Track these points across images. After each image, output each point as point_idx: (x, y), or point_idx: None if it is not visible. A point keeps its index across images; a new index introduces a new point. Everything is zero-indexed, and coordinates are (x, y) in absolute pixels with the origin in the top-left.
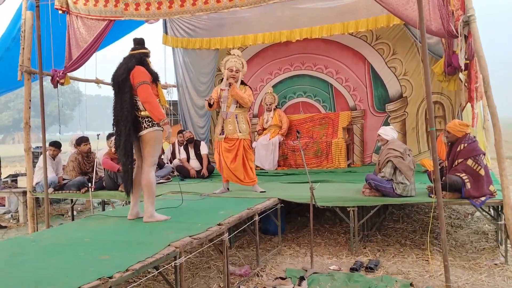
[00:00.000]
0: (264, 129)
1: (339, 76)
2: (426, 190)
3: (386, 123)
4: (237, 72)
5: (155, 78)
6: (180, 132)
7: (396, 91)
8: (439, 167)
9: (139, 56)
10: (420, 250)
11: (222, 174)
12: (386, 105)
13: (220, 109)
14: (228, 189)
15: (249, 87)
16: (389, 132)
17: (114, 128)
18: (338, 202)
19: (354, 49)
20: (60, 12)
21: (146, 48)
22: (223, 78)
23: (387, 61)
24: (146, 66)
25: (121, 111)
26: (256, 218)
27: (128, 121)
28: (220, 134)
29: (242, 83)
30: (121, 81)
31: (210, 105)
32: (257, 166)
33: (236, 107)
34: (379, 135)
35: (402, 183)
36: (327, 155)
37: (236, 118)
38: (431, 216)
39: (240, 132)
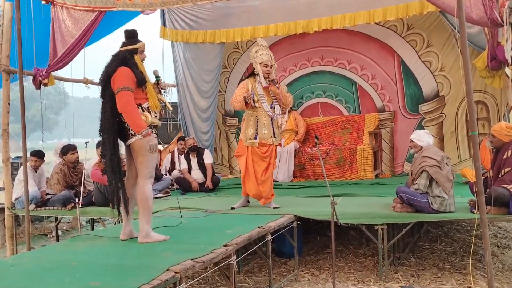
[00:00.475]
0: None
1: (364, 72)
2: (467, 204)
3: (420, 127)
4: (271, 67)
5: (140, 81)
6: (180, 138)
7: (432, 89)
8: (483, 177)
9: (123, 55)
10: (461, 275)
11: (245, 185)
12: (419, 105)
13: (256, 109)
14: (248, 201)
15: None
16: (424, 137)
17: (100, 135)
18: (364, 219)
19: (382, 41)
20: (43, 2)
21: (136, 43)
22: (252, 74)
23: (420, 55)
24: (132, 66)
25: (103, 121)
26: (269, 238)
27: (111, 132)
28: (252, 138)
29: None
30: (102, 88)
31: (246, 103)
32: None
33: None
34: (411, 140)
35: (439, 197)
36: (351, 164)
37: (271, 120)
38: (474, 235)
39: (274, 137)
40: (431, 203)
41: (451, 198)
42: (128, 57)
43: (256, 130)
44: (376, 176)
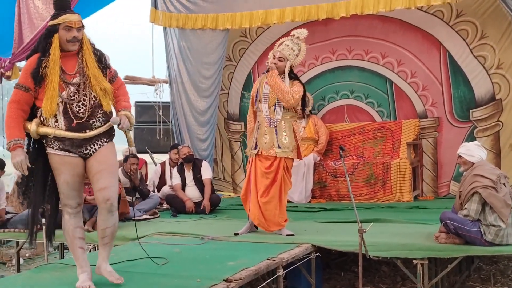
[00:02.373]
0: None
1: (402, 68)
2: None
3: (471, 137)
4: (281, 61)
5: (34, 76)
6: (173, 147)
7: (486, 91)
8: None
9: (39, 38)
10: None
11: (246, 206)
12: (471, 111)
13: (258, 112)
14: (256, 227)
15: (301, 83)
16: (475, 151)
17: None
18: (400, 251)
19: (424, 31)
20: None
21: (57, 16)
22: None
23: (472, 48)
24: (42, 51)
25: None
26: (281, 272)
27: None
28: (252, 148)
29: (293, 77)
30: None
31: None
32: None
33: (284, 110)
34: (459, 156)
35: (494, 226)
36: (384, 182)
37: (276, 126)
38: None
39: (279, 148)
40: (484, 233)
41: (510, 228)
42: (41, 38)
43: (257, 137)
44: (415, 198)
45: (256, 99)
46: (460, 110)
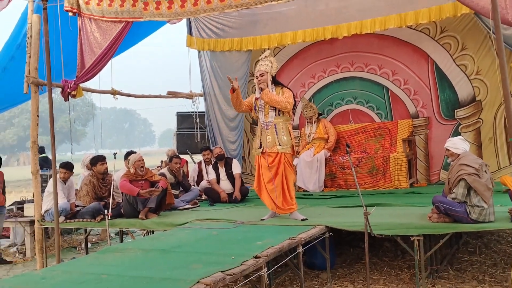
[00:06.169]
0: (306, 143)
1: (396, 77)
2: (508, 214)
3: (456, 133)
4: (262, 76)
5: None
6: (203, 149)
7: (468, 93)
8: None
9: None
10: None
11: (261, 196)
12: (455, 111)
13: (258, 119)
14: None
15: (288, 88)
16: (459, 144)
17: None
18: (399, 230)
19: (414, 45)
20: (70, 14)
21: None
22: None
23: (455, 58)
24: None
25: None
26: (300, 249)
27: None
28: (257, 148)
29: (277, 83)
30: None
31: (233, 90)
32: (299, 188)
33: (276, 115)
34: (447, 149)
35: (478, 206)
36: (384, 173)
37: (275, 128)
38: None
39: (280, 145)
40: (470, 213)
41: (491, 208)
42: None
43: (261, 139)
44: (411, 185)
45: (255, 109)
46: (446, 110)
